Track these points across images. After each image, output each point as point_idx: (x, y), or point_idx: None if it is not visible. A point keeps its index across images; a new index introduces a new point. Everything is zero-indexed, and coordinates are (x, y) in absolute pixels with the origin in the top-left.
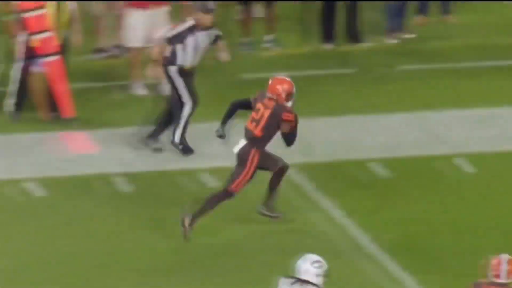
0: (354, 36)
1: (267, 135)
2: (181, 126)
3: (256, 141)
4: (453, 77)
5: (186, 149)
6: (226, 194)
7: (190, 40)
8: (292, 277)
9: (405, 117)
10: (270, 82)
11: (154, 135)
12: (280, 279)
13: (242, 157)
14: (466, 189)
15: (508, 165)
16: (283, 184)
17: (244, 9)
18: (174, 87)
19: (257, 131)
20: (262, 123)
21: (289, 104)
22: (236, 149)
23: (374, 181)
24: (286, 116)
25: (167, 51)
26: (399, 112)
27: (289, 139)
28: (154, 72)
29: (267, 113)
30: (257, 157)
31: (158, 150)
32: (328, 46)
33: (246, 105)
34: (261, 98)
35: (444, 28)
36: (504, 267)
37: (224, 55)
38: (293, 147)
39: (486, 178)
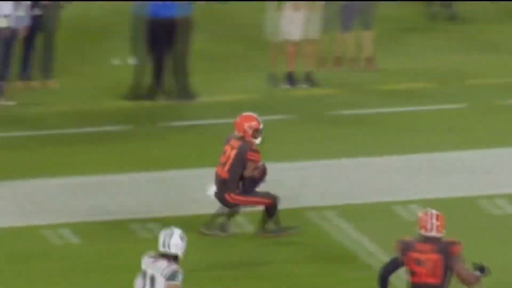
0: None
1: (234, 176)
2: None
3: (225, 184)
4: (53, 144)
5: None
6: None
7: None
8: (161, 255)
9: (4, 187)
10: (237, 119)
11: None
12: (146, 259)
13: (224, 203)
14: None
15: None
16: None
17: None
18: None
19: (224, 173)
20: (228, 164)
21: (257, 141)
22: (210, 195)
23: None
24: (250, 155)
25: None
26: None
27: (249, 184)
28: None
29: (233, 153)
30: (237, 196)
31: None
32: None
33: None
34: (228, 141)
35: (45, 93)
36: (434, 222)
37: None
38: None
39: (92, 248)
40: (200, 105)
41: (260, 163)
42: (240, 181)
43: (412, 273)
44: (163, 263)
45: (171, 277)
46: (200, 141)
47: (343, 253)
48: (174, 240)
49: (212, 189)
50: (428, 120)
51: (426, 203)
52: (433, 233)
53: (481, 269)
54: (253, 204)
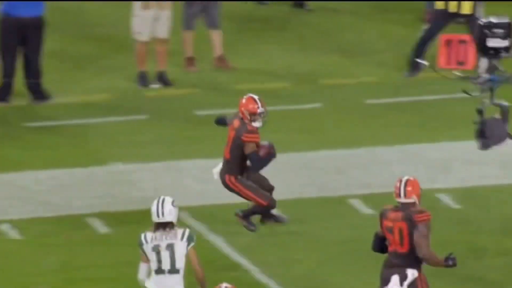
0: None
1: (234, 158)
2: None
3: (227, 165)
4: None
5: None
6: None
7: None
8: (158, 225)
9: None
10: (241, 99)
11: None
12: (147, 234)
13: (224, 184)
14: None
15: None
16: None
17: None
18: None
19: (227, 154)
20: (229, 145)
21: (256, 124)
22: (216, 174)
23: None
24: (245, 136)
25: None
26: None
27: (253, 162)
28: None
29: (232, 135)
30: (237, 183)
31: None
32: None
33: (222, 122)
34: (231, 120)
35: None
36: (402, 188)
37: None
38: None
39: None
40: (57, 105)
41: (266, 142)
42: (243, 162)
43: (388, 242)
44: (173, 231)
45: (192, 238)
46: (55, 142)
47: (210, 253)
48: (167, 207)
49: (218, 168)
50: (283, 120)
51: (280, 203)
52: (403, 199)
53: (447, 260)
54: (247, 198)
